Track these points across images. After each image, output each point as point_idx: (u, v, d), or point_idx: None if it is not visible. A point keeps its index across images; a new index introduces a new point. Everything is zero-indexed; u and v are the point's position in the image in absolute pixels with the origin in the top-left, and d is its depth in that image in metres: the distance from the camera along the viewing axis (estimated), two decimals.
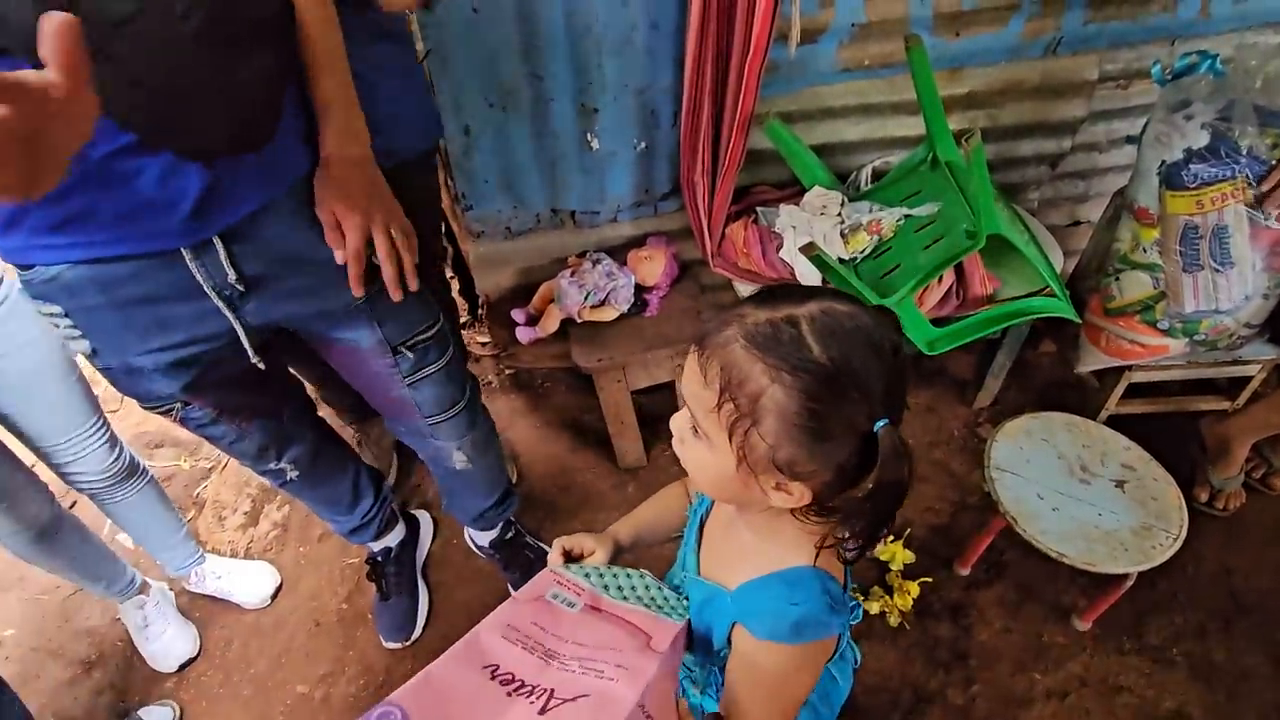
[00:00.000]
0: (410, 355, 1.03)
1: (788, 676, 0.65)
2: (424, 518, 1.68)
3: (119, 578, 1.43)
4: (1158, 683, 1.37)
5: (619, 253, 1.72)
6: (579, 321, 1.65)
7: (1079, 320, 1.53)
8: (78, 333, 0.83)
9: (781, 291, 0.59)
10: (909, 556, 1.54)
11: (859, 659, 0.85)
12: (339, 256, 0.87)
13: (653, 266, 1.68)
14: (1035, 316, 1.50)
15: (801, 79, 1.55)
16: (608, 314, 1.64)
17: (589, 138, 1.54)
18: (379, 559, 1.50)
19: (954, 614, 1.48)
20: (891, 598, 1.48)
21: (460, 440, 1.20)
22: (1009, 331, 1.67)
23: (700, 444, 0.60)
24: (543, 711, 0.55)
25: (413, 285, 0.96)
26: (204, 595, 1.57)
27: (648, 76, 1.46)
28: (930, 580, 1.50)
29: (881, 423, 0.55)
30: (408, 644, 1.48)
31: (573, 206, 1.67)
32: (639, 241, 1.75)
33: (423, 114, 1.28)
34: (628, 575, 0.76)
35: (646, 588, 0.75)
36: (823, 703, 0.85)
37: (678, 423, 0.63)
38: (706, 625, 0.71)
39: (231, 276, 0.83)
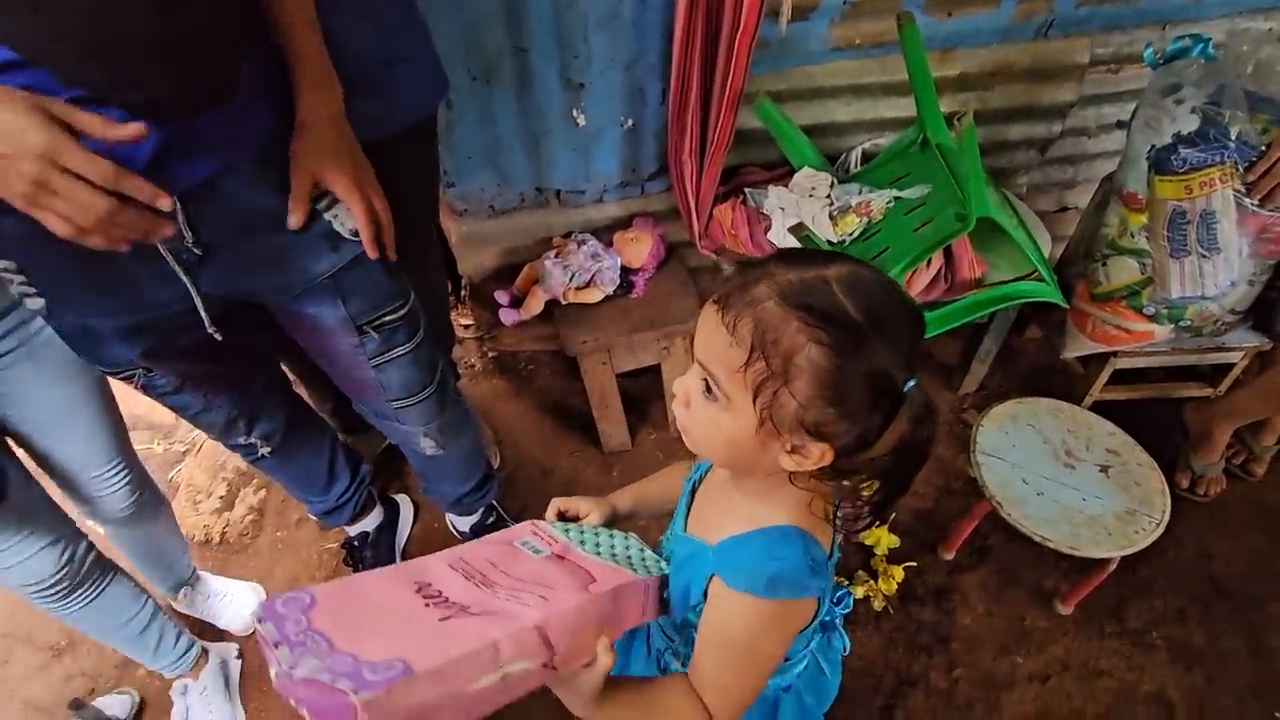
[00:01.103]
0: (376, 336, 0.99)
1: (757, 633, 0.64)
2: (404, 502, 1.65)
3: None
4: (1138, 666, 1.38)
5: (604, 234, 1.69)
6: (564, 303, 1.62)
7: (1066, 305, 1.52)
8: (32, 290, 0.79)
9: (801, 254, 0.58)
10: (893, 541, 1.54)
11: (848, 647, 0.84)
12: (295, 220, 0.84)
13: (639, 248, 1.65)
14: (1023, 301, 1.49)
15: (792, 57, 1.52)
16: (593, 295, 1.61)
17: (575, 114, 1.50)
18: (355, 543, 1.47)
19: (937, 598, 1.48)
20: (876, 582, 1.48)
21: (427, 426, 1.17)
22: (996, 316, 1.66)
23: (713, 405, 0.59)
24: (442, 620, 0.54)
25: (391, 255, 0.92)
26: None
27: (635, 51, 1.43)
28: (914, 565, 1.50)
29: (911, 382, 0.55)
30: None
31: (558, 185, 1.63)
32: (625, 222, 1.72)
33: (430, 69, 1.15)
34: (610, 535, 0.75)
35: (626, 548, 0.74)
36: (809, 691, 0.84)
37: (685, 384, 0.61)
38: (687, 581, 0.69)
39: (189, 239, 0.79)
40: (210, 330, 0.88)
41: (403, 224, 1.17)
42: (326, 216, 0.87)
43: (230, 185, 0.79)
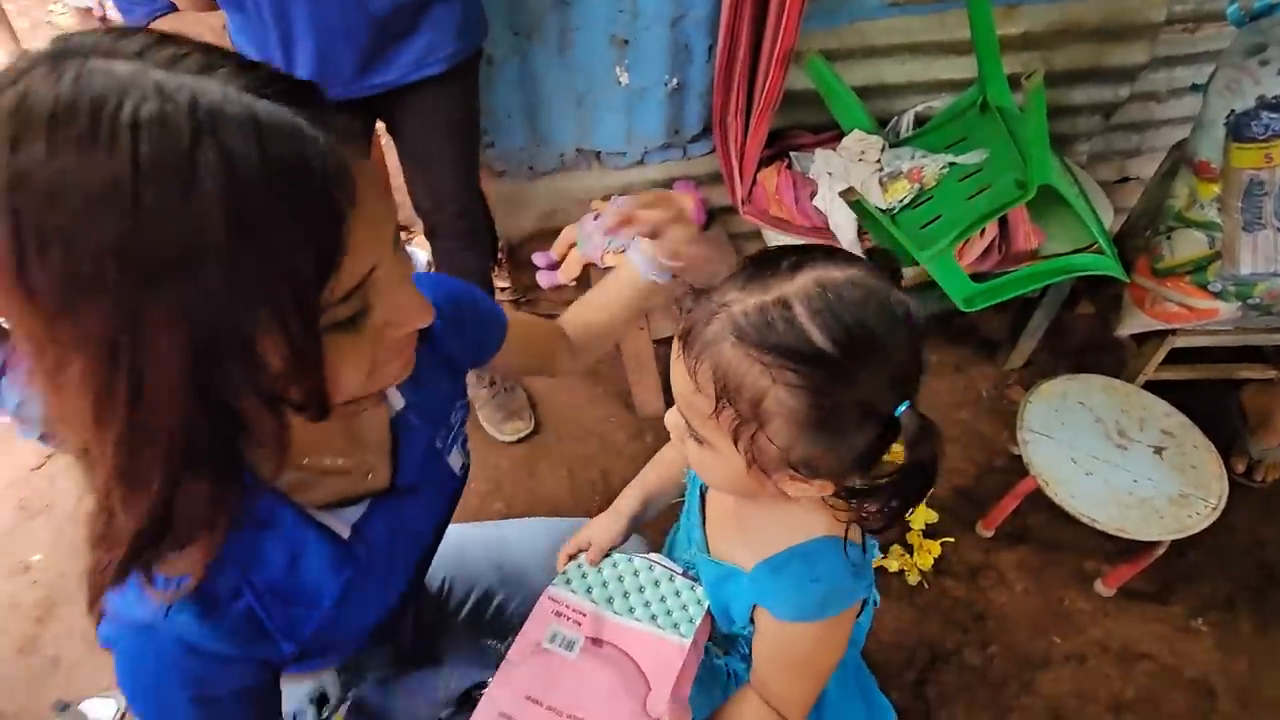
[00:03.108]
0: None
1: (818, 650, 0.63)
2: None
3: None
4: (1180, 652, 1.35)
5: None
6: (601, 267, 1.60)
7: (1127, 279, 1.46)
8: None
9: (768, 264, 0.51)
10: (931, 516, 1.52)
11: (877, 600, 0.83)
12: None
13: None
14: (1080, 274, 1.43)
15: (845, 13, 1.46)
16: None
17: (618, 72, 1.46)
18: None
19: (974, 575, 1.46)
20: (911, 556, 1.46)
21: None
22: (1049, 290, 1.60)
23: (699, 447, 0.55)
24: None
25: None
26: None
27: (682, 6, 1.38)
28: (952, 541, 1.48)
29: (903, 405, 0.50)
30: None
31: (598, 146, 1.60)
32: (666, 186, 1.69)
33: (471, 10, 1.14)
34: (635, 573, 0.73)
35: (656, 584, 0.71)
36: (851, 644, 0.85)
37: (672, 420, 0.58)
38: (724, 604, 0.68)
39: None
40: None
41: (442, 170, 1.17)
42: None
43: None
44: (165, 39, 0.35)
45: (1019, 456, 1.33)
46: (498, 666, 0.68)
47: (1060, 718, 1.28)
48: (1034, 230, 1.40)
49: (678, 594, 0.71)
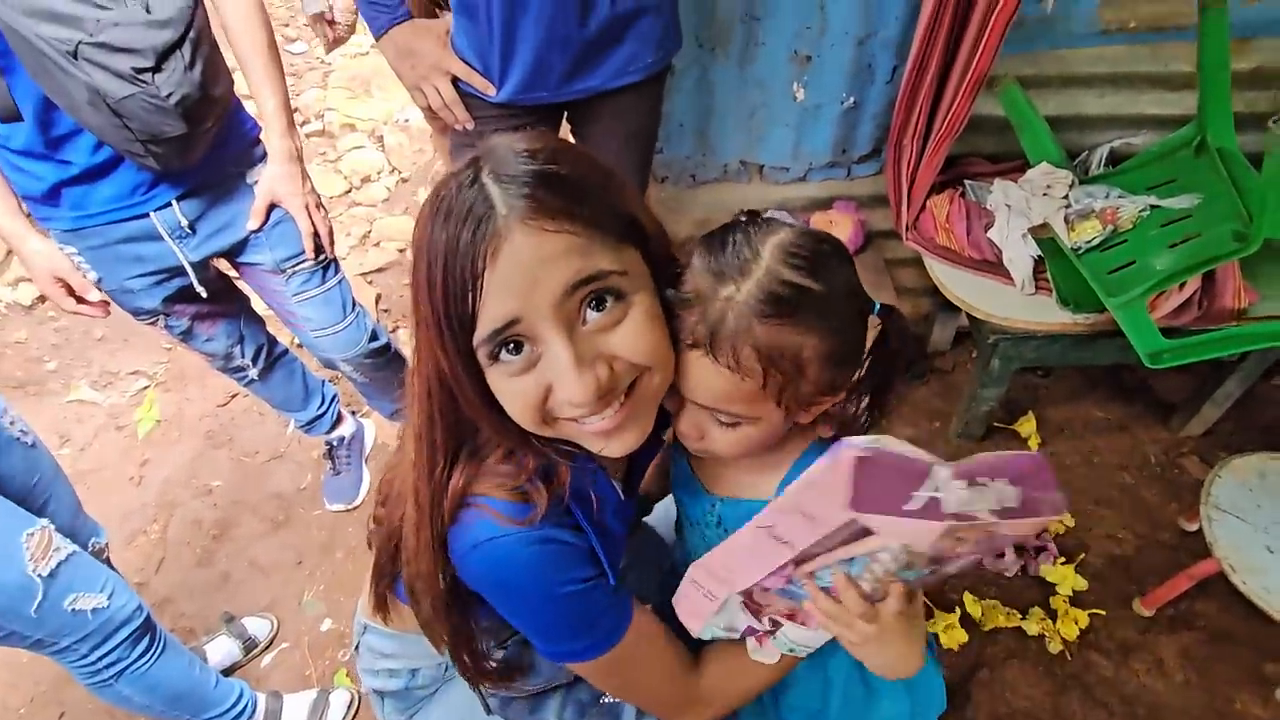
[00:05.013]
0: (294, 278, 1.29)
1: None
2: (367, 423, 1.85)
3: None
4: None
5: (801, 214, 1.64)
6: None
7: None
8: (88, 266, 1.15)
9: (723, 256, 0.60)
10: (1080, 583, 1.41)
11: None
12: (254, 224, 1.19)
13: (836, 232, 1.59)
14: None
15: (1048, 38, 1.38)
16: None
17: (795, 88, 1.46)
18: (334, 444, 1.72)
19: (1126, 655, 1.33)
20: (1054, 623, 1.36)
21: (343, 355, 1.39)
22: (1249, 356, 1.44)
23: (737, 429, 0.64)
24: None
25: (330, 253, 1.30)
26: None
27: (873, 24, 1.36)
28: (1102, 613, 1.36)
29: (875, 308, 0.65)
30: (351, 507, 1.72)
31: (763, 160, 1.60)
32: (824, 204, 1.66)
33: (671, 21, 1.17)
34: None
35: None
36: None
37: (693, 424, 0.66)
38: None
39: (184, 223, 1.15)
40: (198, 288, 1.22)
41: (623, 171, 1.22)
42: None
43: (207, 184, 1.15)
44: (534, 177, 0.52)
45: (1192, 534, 1.21)
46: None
47: None
48: (1245, 288, 1.26)
49: None
